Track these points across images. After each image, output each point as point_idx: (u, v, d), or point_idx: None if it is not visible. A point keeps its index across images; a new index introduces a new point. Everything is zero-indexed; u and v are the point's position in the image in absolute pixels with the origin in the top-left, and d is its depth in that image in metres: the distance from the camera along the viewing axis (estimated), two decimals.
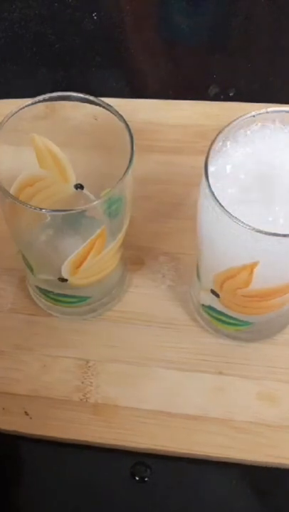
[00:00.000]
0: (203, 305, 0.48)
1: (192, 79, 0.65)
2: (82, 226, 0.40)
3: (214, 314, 0.47)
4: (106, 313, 0.51)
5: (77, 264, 0.43)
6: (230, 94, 0.63)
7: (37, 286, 0.49)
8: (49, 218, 0.38)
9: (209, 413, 0.46)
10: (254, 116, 0.40)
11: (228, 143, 0.40)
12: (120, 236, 0.44)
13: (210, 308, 0.47)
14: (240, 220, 0.36)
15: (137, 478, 0.45)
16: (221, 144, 0.40)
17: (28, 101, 0.41)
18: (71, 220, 0.38)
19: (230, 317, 0.46)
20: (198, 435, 0.46)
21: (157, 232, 0.54)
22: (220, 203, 0.37)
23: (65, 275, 0.44)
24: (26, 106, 0.41)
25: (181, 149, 0.58)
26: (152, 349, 0.49)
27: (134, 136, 0.40)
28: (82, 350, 0.49)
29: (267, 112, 0.40)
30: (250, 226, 0.36)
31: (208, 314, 0.48)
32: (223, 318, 0.47)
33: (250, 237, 0.37)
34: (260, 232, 0.36)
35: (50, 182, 0.44)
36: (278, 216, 0.38)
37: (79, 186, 0.44)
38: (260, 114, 0.40)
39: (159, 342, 0.49)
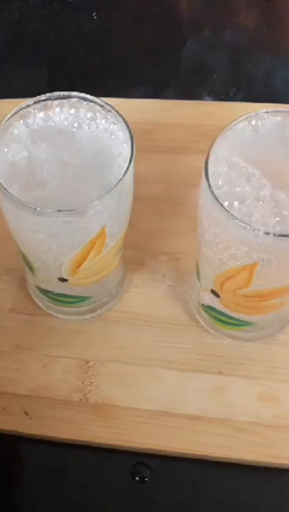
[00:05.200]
0: (203, 305, 0.48)
1: (192, 78, 0.65)
2: (82, 226, 0.40)
3: (214, 314, 0.47)
4: (106, 313, 0.51)
5: (77, 264, 0.43)
6: (231, 94, 0.63)
7: (37, 286, 0.49)
8: (49, 218, 0.38)
9: (209, 413, 0.46)
10: (254, 116, 0.40)
11: (227, 142, 0.40)
12: (120, 236, 0.44)
13: (210, 308, 0.47)
14: (240, 220, 0.36)
15: (137, 479, 0.45)
16: (220, 143, 0.40)
17: (28, 101, 0.41)
18: (71, 219, 0.38)
19: (231, 317, 0.46)
20: (198, 435, 0.46)
21: (157, 232, 0.54)
22: (220, 203, 0.37)
23: (65, 275, 0.44)
24: (26, 106, 0.41)
25: (181, 149, 0.58)
26: (152, 349, 0.49)
27: (134, 136, 0.40)
28: (82, 350, 0.49)
29: (267, 112, 0.40)
30: (250, 226, 0.36)
31: (209, 314, 0.48)
32: (224, 319, 0.47)
33: (250, 237, 0.37)
34: (260, 232, 0.36)
35: None
36: (278, 216, 0.38)
37: None
38: (259, 114, 0.40)
39: (159, 342, 0.49)
